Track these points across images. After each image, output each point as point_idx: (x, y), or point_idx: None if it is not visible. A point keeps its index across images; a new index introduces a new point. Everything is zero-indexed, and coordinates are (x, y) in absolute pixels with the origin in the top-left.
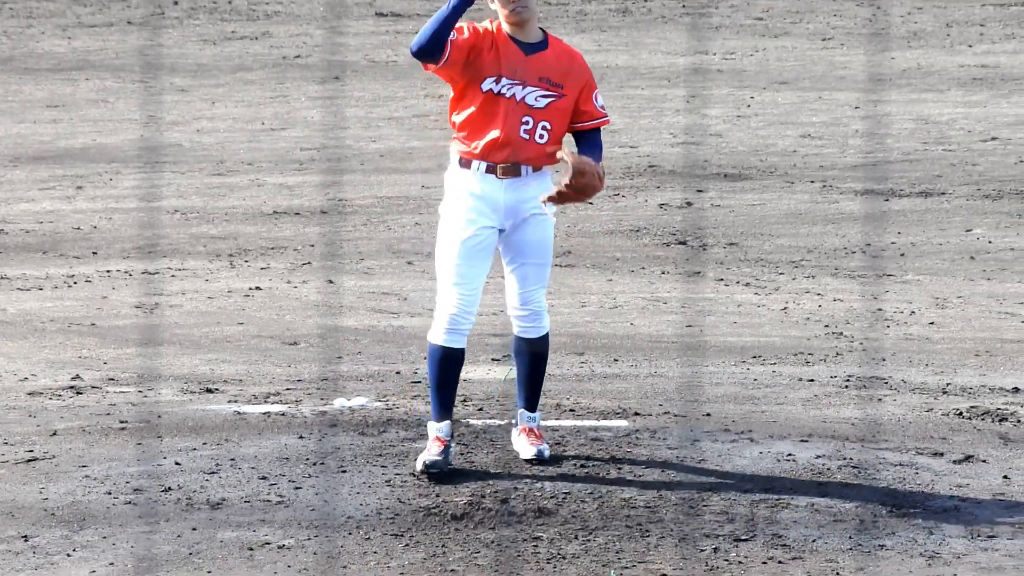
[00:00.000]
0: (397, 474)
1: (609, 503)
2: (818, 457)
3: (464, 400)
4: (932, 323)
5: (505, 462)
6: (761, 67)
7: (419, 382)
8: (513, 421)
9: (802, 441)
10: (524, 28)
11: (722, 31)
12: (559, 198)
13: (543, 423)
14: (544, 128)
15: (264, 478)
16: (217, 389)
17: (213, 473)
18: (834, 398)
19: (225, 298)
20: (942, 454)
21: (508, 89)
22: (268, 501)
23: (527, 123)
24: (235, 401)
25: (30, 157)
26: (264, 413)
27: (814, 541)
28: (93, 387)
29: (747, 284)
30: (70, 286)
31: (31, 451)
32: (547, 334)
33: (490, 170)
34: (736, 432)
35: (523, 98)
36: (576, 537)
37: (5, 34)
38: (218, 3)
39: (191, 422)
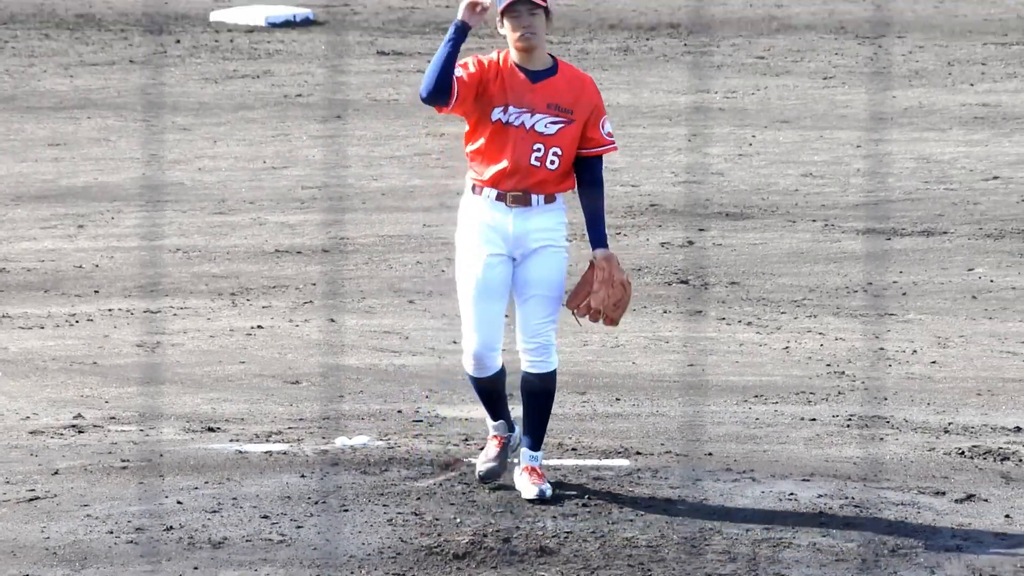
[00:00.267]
0: (399, 513)
1: (611, 542)
2: (820, 496)
3: (466, 440)
4: (934, 362)
5: (507, 501)
6: (762, 106)
7: (421, 421)
8: (515, 460)
9: (804, 480)
10: (532, 55)
11: (723, 70)
12: (595, 316)
13: (545, 462)
14: (555, 154)
15: (266, 517)
16: (219, 428)
17: (215, 512)
18: (836, 437)
19: (227, 337)
20: (944, 493)
21: (517, 118)
22: (270, 540)
23: (538, 150)
24: (237, 440)
25: (32, 196)
26: (266, 452)
27: None
28: (95, 426)
29: (749, 323)
30: (72, 325)
31: (33, 490)
32: (555, 371)
33: (500, 198)
34: (738, 471)
35: (532, 126)
36: None
37: (7, 73)
38: (220, 42)
39: (193, 461)
